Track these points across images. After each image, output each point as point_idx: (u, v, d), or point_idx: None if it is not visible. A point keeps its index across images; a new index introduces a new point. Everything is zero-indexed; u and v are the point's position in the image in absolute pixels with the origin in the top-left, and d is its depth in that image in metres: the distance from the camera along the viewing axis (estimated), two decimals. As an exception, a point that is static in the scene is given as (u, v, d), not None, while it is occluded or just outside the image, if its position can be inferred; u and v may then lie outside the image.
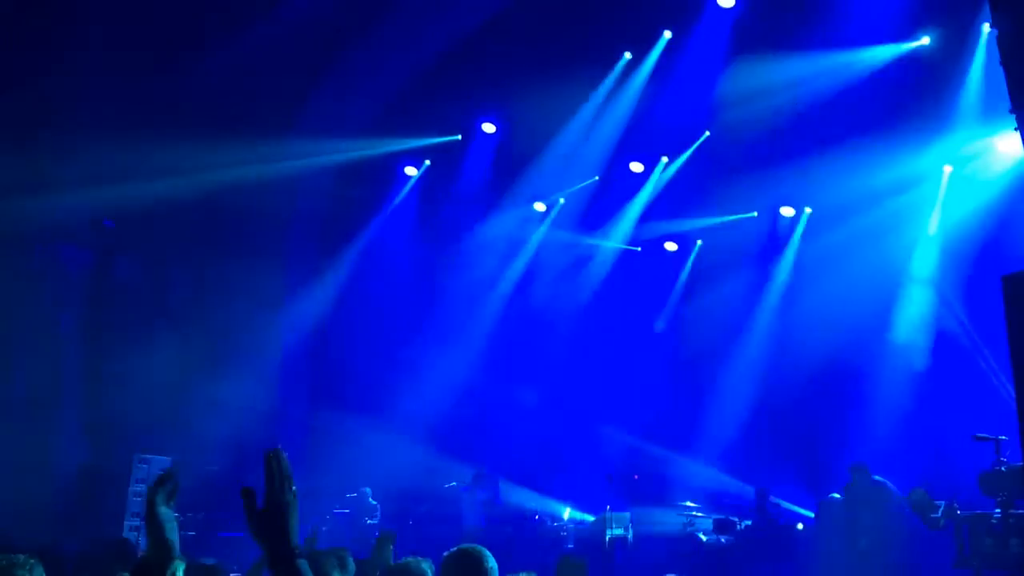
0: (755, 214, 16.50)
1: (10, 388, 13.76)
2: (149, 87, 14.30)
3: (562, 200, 17.48)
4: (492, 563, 3.59)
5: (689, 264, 17.54)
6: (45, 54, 13.62)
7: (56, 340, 14.20)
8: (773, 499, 13.17)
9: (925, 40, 13.25)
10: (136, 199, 14.12)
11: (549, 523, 14.25)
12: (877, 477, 11.69)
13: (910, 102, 13.55)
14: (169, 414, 15.24)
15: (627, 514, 13.41)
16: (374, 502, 15.26)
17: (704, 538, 13.04)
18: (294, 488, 1.93)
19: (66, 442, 13.97)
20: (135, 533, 11.86)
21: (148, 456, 13.46)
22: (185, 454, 14.36)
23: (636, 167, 16.88)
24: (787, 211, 16.58)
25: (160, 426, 14.91)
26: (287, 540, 1.85)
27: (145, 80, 14.32)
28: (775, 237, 16.64)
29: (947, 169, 14.56)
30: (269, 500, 1.88)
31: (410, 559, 3.95)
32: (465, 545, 3.70)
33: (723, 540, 12.84)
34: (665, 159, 16.65)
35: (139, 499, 12.66)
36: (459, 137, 16.90)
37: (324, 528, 14.77)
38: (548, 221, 17.71)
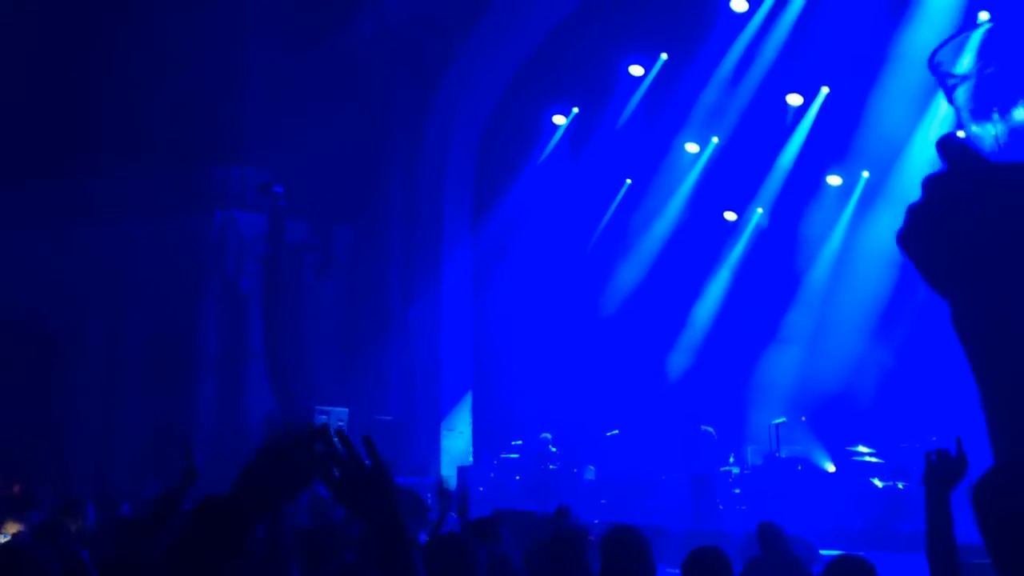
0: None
1: (206, 347, 14.95)
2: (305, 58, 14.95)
3: (715, 139, 16.92)
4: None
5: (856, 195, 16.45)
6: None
7: (239, 300, 15.24)
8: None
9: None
10: (302, 166, 14.84)
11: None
12: None
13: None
14: (340, 366, 16.12)
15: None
16: (554, 449, 14.92)
17: (880, 484, 12.56)
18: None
19: (254, 394, 15.04)
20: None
21: (327, 408, 14.29)
22: (358, 403, 15.17)
23: (794, 99, 16.10)
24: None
25: (334, 377, 15.82)
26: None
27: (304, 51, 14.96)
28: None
29: None
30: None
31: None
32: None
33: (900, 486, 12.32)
34: (826, 89, 15.79)
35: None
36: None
37: (492, 474, 15.11)
38: (702, 161, 17.17)
